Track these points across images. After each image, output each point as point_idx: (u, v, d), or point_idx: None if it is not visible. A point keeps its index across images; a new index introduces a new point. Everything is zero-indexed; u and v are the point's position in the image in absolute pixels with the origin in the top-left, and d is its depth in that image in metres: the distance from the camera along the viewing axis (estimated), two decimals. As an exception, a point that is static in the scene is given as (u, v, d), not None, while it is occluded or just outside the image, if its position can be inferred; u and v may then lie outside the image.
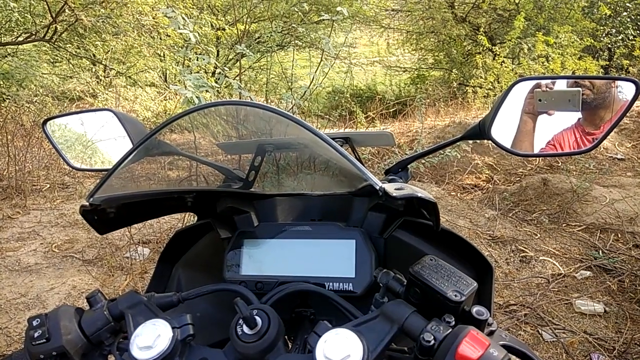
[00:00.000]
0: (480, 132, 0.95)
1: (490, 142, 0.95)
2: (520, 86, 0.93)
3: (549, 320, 2.80)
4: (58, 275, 3.23)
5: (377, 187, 0.62)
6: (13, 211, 4.19)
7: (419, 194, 0.63)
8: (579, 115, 0.93)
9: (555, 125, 0.95)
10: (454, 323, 0.61)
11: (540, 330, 2.72)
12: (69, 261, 3.43)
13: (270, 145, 1.00)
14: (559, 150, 0.96)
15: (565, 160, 5.35)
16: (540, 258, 3.53)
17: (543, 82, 0.95)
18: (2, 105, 7.47)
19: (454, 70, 11.58)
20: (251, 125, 0.98)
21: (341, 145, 1.18)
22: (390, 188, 0.63)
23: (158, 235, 3.71)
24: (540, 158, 5.33)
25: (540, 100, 0.94)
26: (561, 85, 0.95)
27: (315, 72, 3.59)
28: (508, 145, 0.94)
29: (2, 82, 8.03)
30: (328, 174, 1.06)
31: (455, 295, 0.63)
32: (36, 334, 0.66)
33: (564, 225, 4.08)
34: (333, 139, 1.18)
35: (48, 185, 4.75)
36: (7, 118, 5.73)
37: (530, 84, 0.94)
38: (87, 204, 0.68)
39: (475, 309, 0.63)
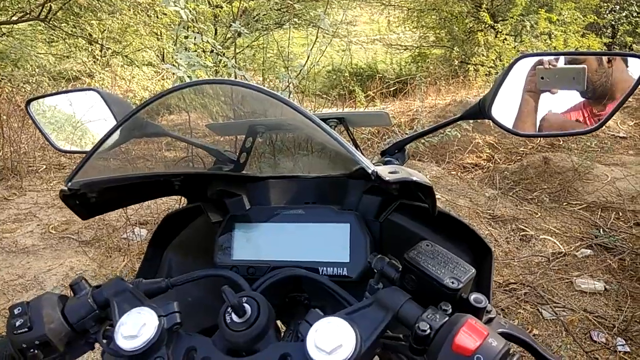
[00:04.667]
0: (480, 111, 0.91)
1: (490, 121, 0.92)
2: (522, 63, 0.89)
3: (549, 298, 2.80)
4: (55, 256, 3.22)
5: (370, 171, 0.59)
6: (9, 192, 4.17)
7: (414, 178, 0.60)
8: (583, 93, 0.89)
9: (558, 104, 0.91)
10: (450, 311, 0.59)
11: (540, 309, 2.73)
12: (66, 242, 3.43)
13: (261, 127, 0.96)
14: (562, 130, 0.92)
15: (566, 139, 5.31)
16: (541, 237, 3.52)
17: (546, 58, 0.90)
18: (-3, 85, 7.39)
19: (455, 48, 11.42)
20: (247, 106, 0.95)
21: (335, 126, 1.15)
22: (384, 172, 0.60)
23: (155, 217, 3.70)
24: (542, 137, 5.29)
25: (542, 78, 0.90)
26: (565, 62, 0.91)
27: (311, 49, 3.52)
28: (509, 124, 0.90)
29: (-3, 62, 7.96)
30: (322, 155, 1.03)
31: (452, 283, 0.60)
32: (18, 323, 0.64)
33: (564, 204, 4.07)
34: (327, 119, 1.15)
35: (44, 166, 4.72)
36: (2, 98, 5.66)
37: (533, 60, 0.89)
38: (66, 188, 0.65)
39: (473, 297, 0.60)
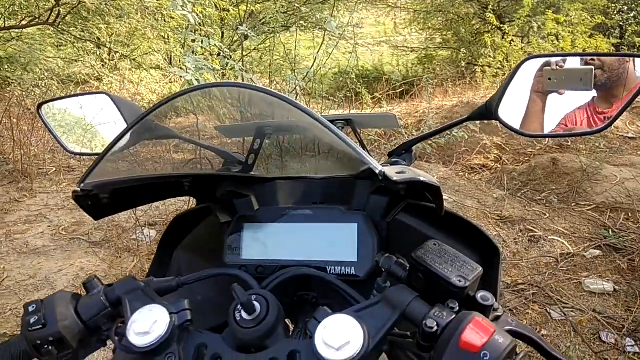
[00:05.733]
0: (487, 112, 0.91)
1: (500, 124, 0.92)
2: (529, 64, 0.89)
3: (557, 299, 2.79)
4: (66, 257, 3.25)
5: (377, 172, 0.59)
6: (20, 194, 4.21)
7: (421, 178, 0.60)
8: (591, 94, 0.89)
9: (566, 105, 0.91)
10: (458, 309, 0.59)
11: (548, 309, 2.71)
12: (76, 243, 3.46)
13: (269, 128, 0.97)
14: (570, 131, 0.92)
15: (575, 140, 5.28)
16: (549, 238, 3.50)
17: (553, 60, 0.90)
18: (7, 89, 7.47)
19: (462, 50, 11.40)
20: (254, 108, 0.96)
21: (342, 128, 1.16)
22: (392, 172, 0.60)
23: (164, 218, 3.72)
24: (550, 138, 5.26)
25: (550, 79, 0.90)
26: (572, 63, 0.91)
27: (317, 52, 3.53)
28: (516, 125, 0.90)
29: (7, 66, 8.03)
30: (329, 156, 1.04)
31: (460, 281, 0.61)
32: (32, 320, 0.65)
33: (573, 204, 4.04)
34: (334, 121, 1.16)
35: (54, 169, 4.76)
36: (12, 102, 5.72)
37: (540, 61, 0.89)
38: (79, 189, 0.66)
39: (480, 295, 0.61)
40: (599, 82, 0.88)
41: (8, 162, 4.64)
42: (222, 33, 9.79)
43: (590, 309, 2.69)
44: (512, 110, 0.90)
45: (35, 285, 2.91)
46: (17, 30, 8.16)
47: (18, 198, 4.15)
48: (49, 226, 3.71)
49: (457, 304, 0.60)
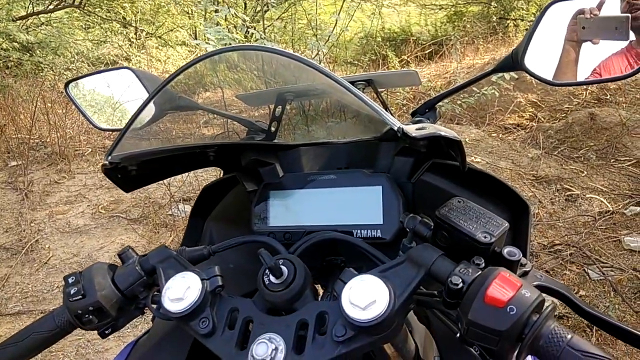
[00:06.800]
0: (513, 62, 0.87)
1: (527, 74, 0.88)
2: (555, 9, 0.84)
3: (595, 258, 2.73)
4: (106, 234, 3.38)
5: (395, 128, 0.58)
6: (59, 176, 4.36)
7: (442, 133, 0.59)
8: (626, 43, 0.84)
9: (601, 52, 0.86)
10: (483, 265, 0.58)
11: (586, 269, 2.66)
12: (116, 221, 3.58)
13: (290, 94, 0.97)
14: (605, 76, 0.87)
15: (614, 92, 5.04)
16: (587, 196, 3.40)
17: (586, 7, 0.85)
18: (40, 74, 7.65)
19: (493, 4, 10.93)
20: (278, 77, 0.95)
21: (363, 89, 1.14)
22: (411, 128, 0.59)
23: (197, 193, 3.79)
24: (587, 90, 5.04)
25: (583, 27, 0.85)
26: (607, 9, 0.86)
27: (338, 14, 3.45)
28: (544, 74, 0.86)
29: (39, 51, 8.21)
30: (353, 121, 1.03)
31: (485, 237, 0.60)
32: (72, 291, 0.68)
33: (612, 160, 3.90)
34: (354, 82, 1.14)
35: (90, 150, 4.89)
36: (45, 86, 5.86)
37: (566, 5, 0.84)
38: (107, 162, 0.68)
39: (506, 250, 0.60)
40: (636, 28, 0.82)
41: (46, 145, 4.79)
42: (245, 4, 9.70)
43: (630, 268, 2.63)
44: (539, 59, 0.85)
45: (79, 262, 3.04)
46: (45, 15, 8.31)
47: (57, 180, 4.30)
48: (88, 205, 3.84)
49: (483, 260, 0.59)
